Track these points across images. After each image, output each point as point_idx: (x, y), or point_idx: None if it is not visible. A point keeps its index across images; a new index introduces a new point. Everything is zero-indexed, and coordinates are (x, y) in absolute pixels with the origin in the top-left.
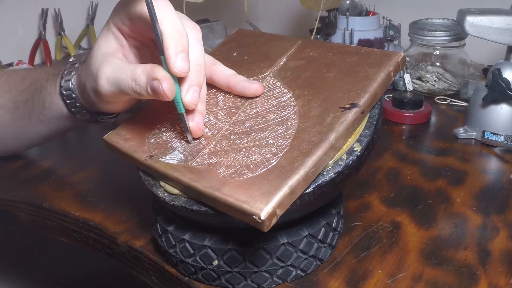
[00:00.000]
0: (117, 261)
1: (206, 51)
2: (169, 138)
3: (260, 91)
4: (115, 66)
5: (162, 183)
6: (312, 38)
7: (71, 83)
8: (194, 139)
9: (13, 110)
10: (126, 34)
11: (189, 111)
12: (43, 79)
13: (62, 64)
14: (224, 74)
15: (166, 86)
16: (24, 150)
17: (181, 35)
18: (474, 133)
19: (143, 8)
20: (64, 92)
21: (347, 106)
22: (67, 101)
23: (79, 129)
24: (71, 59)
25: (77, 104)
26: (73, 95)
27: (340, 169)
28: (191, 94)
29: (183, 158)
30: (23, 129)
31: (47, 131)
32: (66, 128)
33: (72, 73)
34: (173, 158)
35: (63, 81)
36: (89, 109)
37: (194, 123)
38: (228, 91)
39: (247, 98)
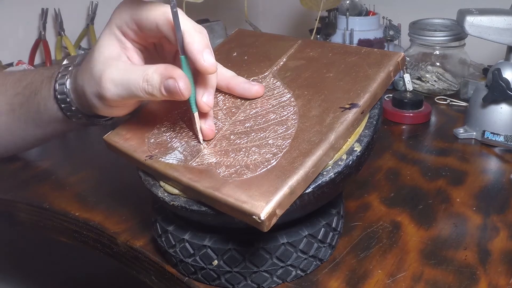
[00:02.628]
0: (117, 261)
1: None
2: (169, 138)
3: (261, 93)
4: (122, 68)
5: (162, 183)
6: (312, 38)
7: (66, 87)
8: (204, 140)
9: (9, 112)
10: (130, 38)
11: (201, 114)
12: (37, 82)
13: (57, 66)
14: (224, 75)
15: (183, 84)
16: (21, 152)
17: (202, 33)
18: (474, 133)
19: (156, 14)
20: (58, 96)
21: (347, 106)
22: (62, 105)
23: (76, 131)
24: (64, 62)
25: (72, 108)
26: (68, 99)
27: (340, 169)
28: (207, 97)
29: (183, 158)
30: (19, 132)
31: (43, 134)
32: (62, 131)
33: (66, 77)
34: (173, 158)
35: (57, 85)
36: (85, 113)
37: (207, 125)
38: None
39: (247, 98)
